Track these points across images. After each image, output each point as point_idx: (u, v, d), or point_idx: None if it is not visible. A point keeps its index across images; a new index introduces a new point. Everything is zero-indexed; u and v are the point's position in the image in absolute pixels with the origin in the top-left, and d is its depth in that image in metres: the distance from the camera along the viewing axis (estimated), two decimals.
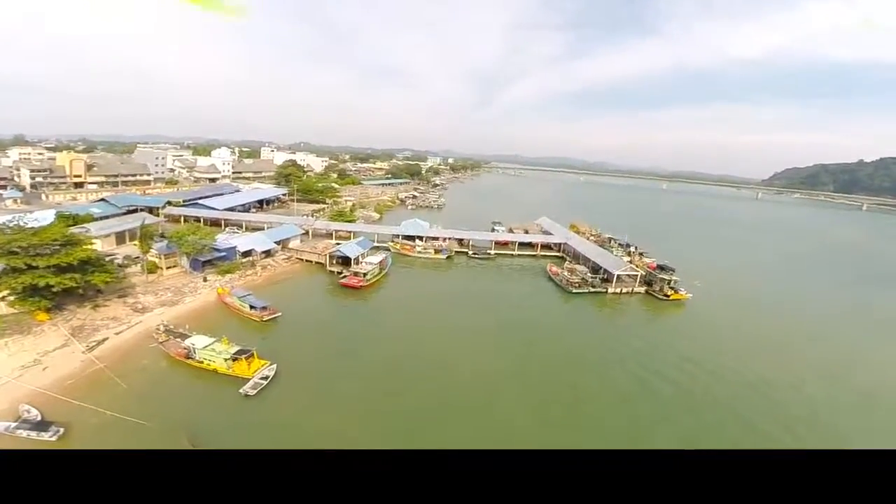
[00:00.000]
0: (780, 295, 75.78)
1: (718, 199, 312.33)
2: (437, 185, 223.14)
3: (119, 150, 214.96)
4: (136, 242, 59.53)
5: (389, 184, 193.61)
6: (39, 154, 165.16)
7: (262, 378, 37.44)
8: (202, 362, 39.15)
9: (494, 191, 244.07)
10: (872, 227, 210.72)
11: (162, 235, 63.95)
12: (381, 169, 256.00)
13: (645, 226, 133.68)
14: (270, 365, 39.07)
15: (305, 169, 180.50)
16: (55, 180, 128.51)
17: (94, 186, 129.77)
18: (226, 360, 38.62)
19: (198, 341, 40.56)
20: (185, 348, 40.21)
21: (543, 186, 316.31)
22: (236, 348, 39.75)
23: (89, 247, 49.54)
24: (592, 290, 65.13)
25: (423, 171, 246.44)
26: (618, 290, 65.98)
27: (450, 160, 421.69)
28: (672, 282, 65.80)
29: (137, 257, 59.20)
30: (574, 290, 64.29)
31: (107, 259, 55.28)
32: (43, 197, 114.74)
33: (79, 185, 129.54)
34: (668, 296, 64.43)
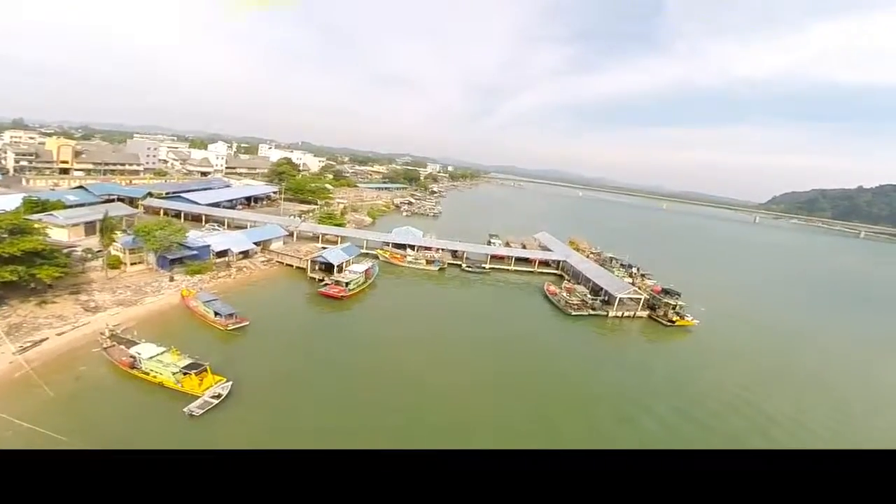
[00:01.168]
0: (791, 323, 72.00)
1: (717, 222, 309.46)
2: (434, 192, 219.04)
3: (117, 140, 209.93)
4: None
5: (386, 188, 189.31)
6: (31, 138, 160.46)
7: (213, 396, 33.51)
8: (148, 374, 35.19)
9: (492, 201, 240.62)
10: (871, 255, 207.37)
11: (129, 228, 59.19)
12: (378, 172, 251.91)
13: (645, 245, 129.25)
14: (225, 382, 35.02)
15: (301, 168, 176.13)
16: (40, 165, 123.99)
17: (81, 174, 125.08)
18: (174, 373, 34.29)
19: (144, 350, 36.50)
20: (131, 357, 35.91)
21: (542, 199, 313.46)
22: (187, 361, 35.68)
23: (39, 237, 44.67)
24: (592, 312, 60.52)
25: (421, 178, 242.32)
26: (619, 314, 61.38)
27: (449, 168, 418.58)
28: (677, 307, 61.39)
29: (100, 250, 54.35)
30: (573, 313, 59.61)
31: (65, 251, 50.61)
32: (24, 182, 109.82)
33: (65, 172, 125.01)
34: (673, 322, 59.98)
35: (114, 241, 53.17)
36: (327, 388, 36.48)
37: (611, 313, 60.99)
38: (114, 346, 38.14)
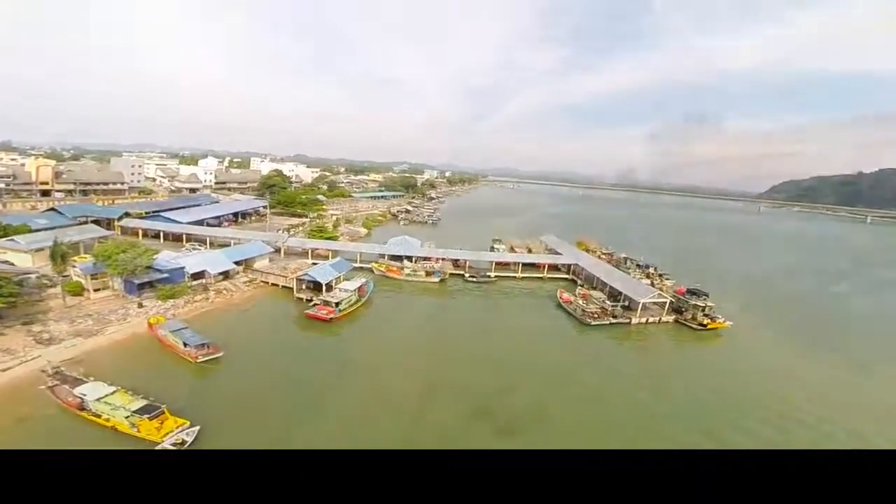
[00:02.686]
0: (832, 318, 66.13)
1: (722, 213, 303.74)
2: (432, 198, 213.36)
3: (108, 160, 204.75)
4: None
5: (382, 197, 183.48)
6: (12, 160, 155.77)
7: (174, 444, 27.96)
8: (99, 417, 29.92)
9: (493, 204, 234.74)
10: (886, 239, 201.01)
11: (93, 253, 53.43)
12: (375, 181, 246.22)
13: (653, 243, 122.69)
14: (189, 427, 29.12)
15: (293, 180, 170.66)
16: (18, 187, 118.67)
17: (62, 195, 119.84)
18: (127, 417, 28.54)
19: (91, 390, 31.27)
20: (78, 397, 30.81)
21: (542, 200, 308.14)
22: (141, 403, 29.93)
23: None
24: (614, 320, 54.31)
25: (418, 184, 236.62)
26: (643, 320, 55.22)
27: (447, 173, 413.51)
28: (707, 308, 55.40)
29: (61, 277, 48.58)
30: (592, 322, 53.28)
31: (16, 278, 44.89)
32: (0, 206, 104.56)
33: (45, 193, 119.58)
34: (704, 325, 53.94)
35: (71, 266, 47.53)
36: (308, 430, 30.50)
37: (634, 320, 54.84)
38: (58, 384, 32.49)
